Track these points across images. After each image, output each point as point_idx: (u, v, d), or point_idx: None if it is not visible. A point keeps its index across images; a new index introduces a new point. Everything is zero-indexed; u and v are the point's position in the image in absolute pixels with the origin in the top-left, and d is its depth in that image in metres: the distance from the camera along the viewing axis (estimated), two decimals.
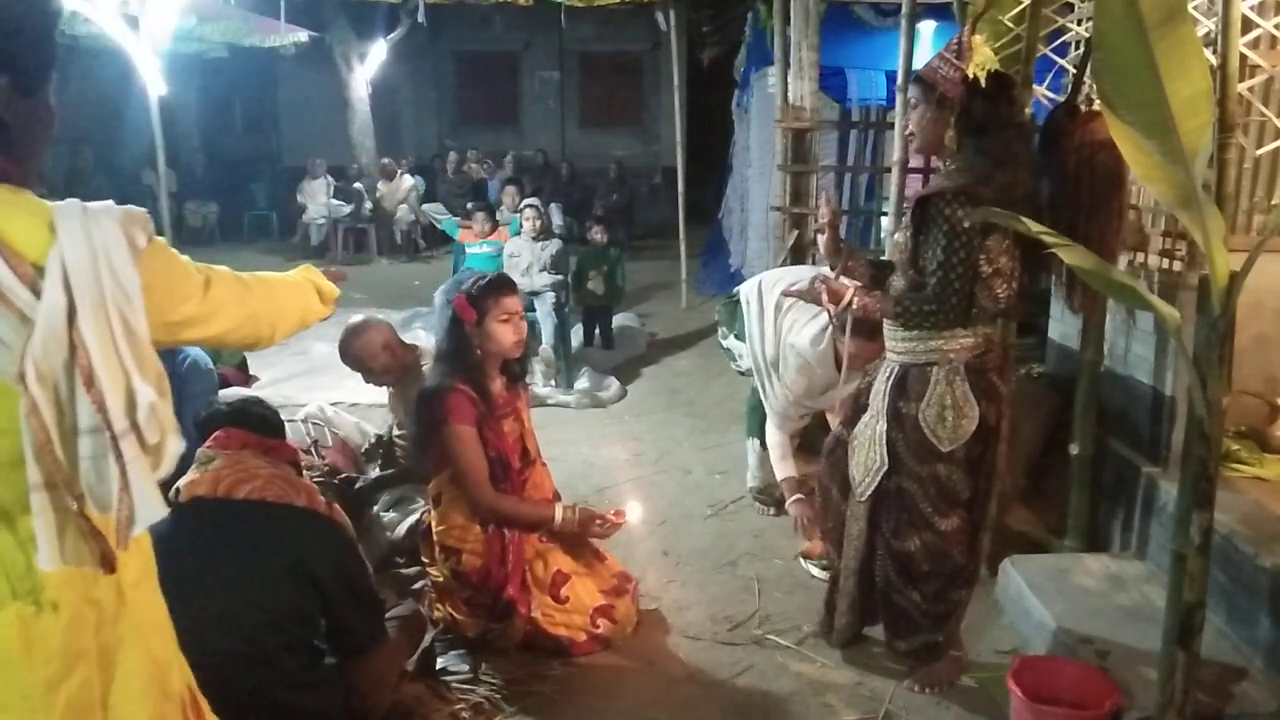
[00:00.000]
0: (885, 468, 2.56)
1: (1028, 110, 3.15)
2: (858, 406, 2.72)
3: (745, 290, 3.84)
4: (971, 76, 2.40)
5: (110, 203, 1.22)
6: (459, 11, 12.55)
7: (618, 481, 4.40)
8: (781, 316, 3.59)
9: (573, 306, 6.66)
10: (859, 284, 2.66)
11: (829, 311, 2.74)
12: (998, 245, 2.40)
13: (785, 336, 3.54)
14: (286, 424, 2.84)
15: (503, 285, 2.91)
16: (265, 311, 1.52)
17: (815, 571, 3.37)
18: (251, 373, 4.66)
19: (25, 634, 1.19)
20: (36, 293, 1.11)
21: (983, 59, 2.40)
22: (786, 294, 2.84)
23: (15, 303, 1.10)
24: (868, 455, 2.61)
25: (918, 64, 3.95)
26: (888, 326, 2.59)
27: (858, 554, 2.69)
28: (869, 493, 2.62)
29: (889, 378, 2.57)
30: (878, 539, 2.66)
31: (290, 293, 1.64)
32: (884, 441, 2.55)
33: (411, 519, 3.37)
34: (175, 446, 1.21)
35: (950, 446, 2.48)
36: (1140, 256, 3.24)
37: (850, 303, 2.58)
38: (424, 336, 5.99)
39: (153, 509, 1.17)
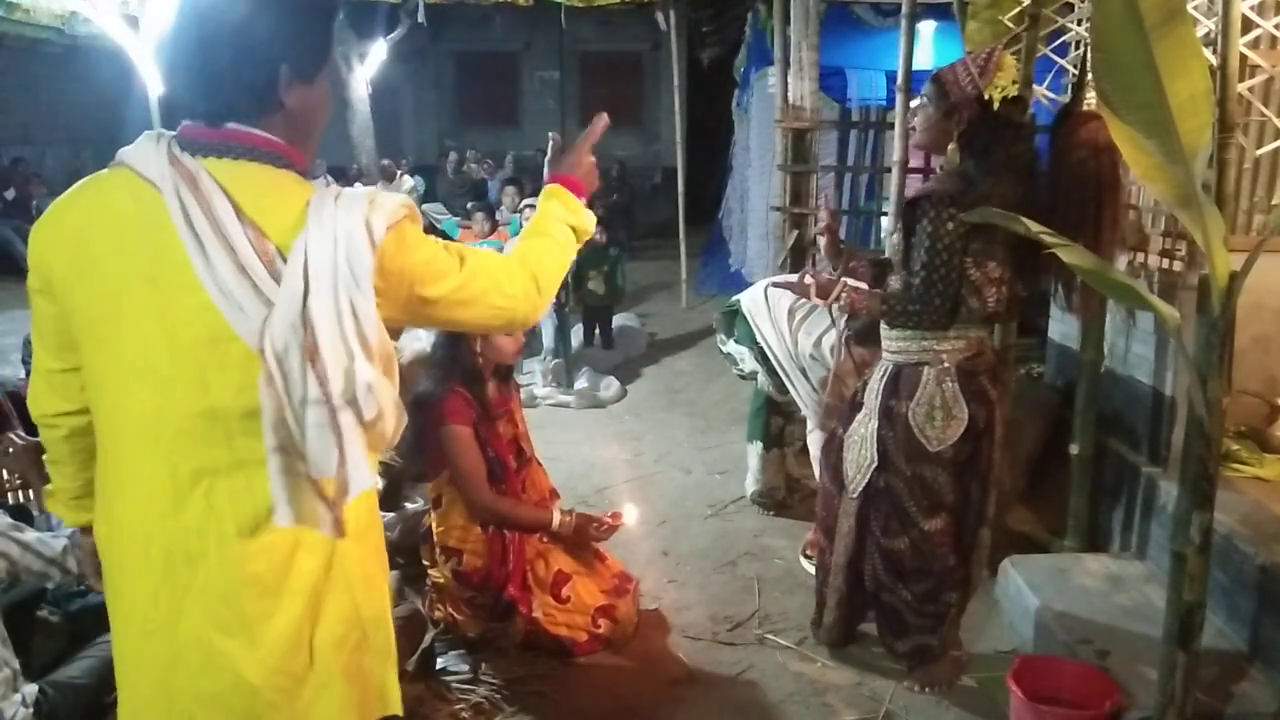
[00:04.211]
0: (876, 464, 2.58)
1: (1029, 113, 3.15)
2: (854, 405, 2.73)
3: (747, 301, 3.77)
4: (987, 97, 2.40)
5: (360, 191, 1.26)
6: (459, 11, 12.55)
7: (617, 481, 4.40)
8: (795, 326, 3.57)
9: (573, 306, 6.65)
10: (856, 283, 2.66)
11: (818, 305, 2.75)
12: (985, 250, 2.40)
13: (803, 348, 3.52)
14: None
15: None
16: (528, 297, 1.43)
17: (814, 570, 3.37)
18: None
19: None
20: (273, 273, 1.19)
21: (1005, 81, 2.39)
22: (775, 285, 2.90)
23: (253, 277, 1.19)
24: (859, 453, 2.63)
25: (918, 64, 3.97)
26: (883, 326, 2.60)
27: (847, 550, 2.71)
28: (860, 489, 2.64)
29: (882, 376, 2.60)
30: (867, 536, 2.68)
31: (558, 260, 1.51)
32: (875, 439, 2.58)
33: (406, 519, 3.36)
34: (393, 423, 1.26)
35: (938, 447, 2.49)
36: (1140, 256, 3.24)
37: (839, 298, 2.60)
38: (424, 336, 5.98)
39: (363, 479, 1.24)
